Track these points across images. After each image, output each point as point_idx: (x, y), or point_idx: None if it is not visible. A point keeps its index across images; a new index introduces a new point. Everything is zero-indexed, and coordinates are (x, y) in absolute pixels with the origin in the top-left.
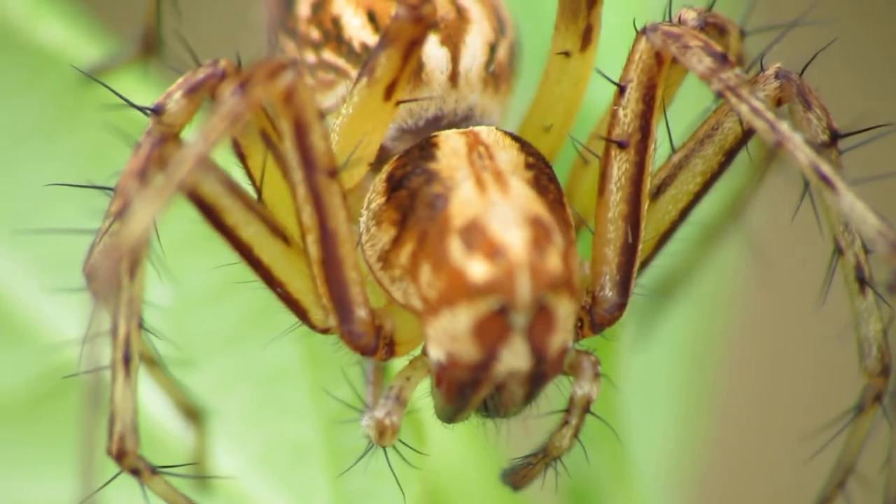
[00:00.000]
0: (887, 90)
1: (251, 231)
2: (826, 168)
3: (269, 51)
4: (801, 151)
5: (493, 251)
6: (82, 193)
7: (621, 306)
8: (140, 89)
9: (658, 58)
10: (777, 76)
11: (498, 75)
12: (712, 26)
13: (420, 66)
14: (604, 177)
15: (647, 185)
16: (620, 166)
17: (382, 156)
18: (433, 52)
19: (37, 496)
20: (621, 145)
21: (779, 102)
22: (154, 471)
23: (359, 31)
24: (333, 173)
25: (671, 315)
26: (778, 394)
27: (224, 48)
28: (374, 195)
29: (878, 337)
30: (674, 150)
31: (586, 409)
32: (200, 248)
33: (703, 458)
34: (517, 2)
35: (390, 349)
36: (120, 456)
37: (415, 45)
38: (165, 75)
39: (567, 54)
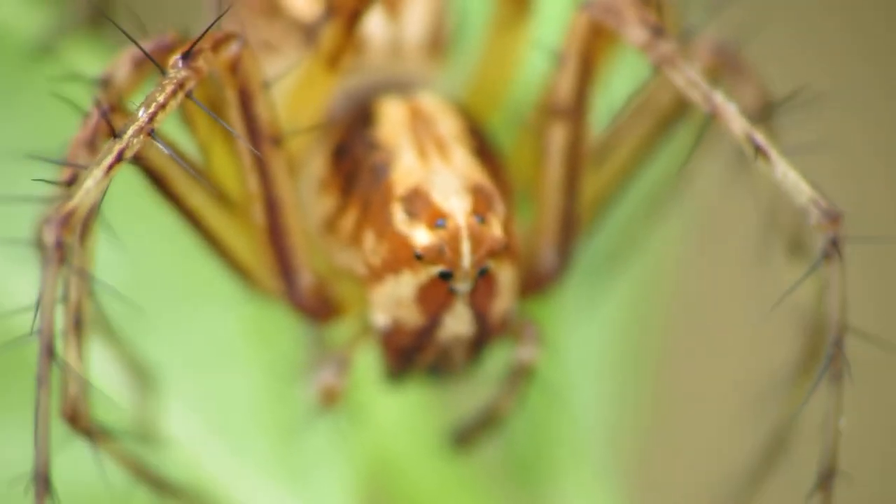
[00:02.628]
0: (835, 58)
1: (197, 199)
2: (759, 137)
3: (214, 20)
4: (735, 121)
5: (434, 218)
6: (33, 165)
7: (562, 270)
8: (87, 59)
9: (596, 30)
10: (713, 48)
11: (438, 43)
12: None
13: (362, 35)
14: (544, 146)
15: (586, 155)
16: (559, 136)
17: (326, 122)
18: (375, 20)
19: None
20: (560, 115)
21: (715, 74)
22: (107, 434)
23: (299, 1)
24: (278, 142)
25: (616, 285)
26: (717, 362)
27: (172, 17)
28: (319, 163)
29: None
30: (612, 122)
31: (527, 372)
32: (147, 216)
33: (646, 424)
34: None
35: (334, 313)
36: (73, 419)
37: (357, 15)
38: (113, 45)
39: (506, 23)
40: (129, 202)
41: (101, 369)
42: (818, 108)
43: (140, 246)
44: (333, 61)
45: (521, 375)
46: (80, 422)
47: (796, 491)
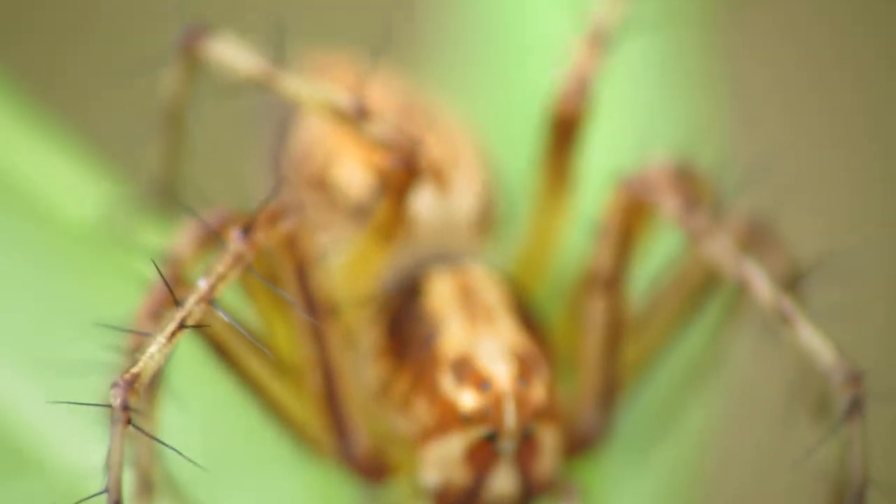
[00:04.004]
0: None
1: (255, 365)
2: (786, 305)
3: (272, 193)
4: (763, 290)
5: (481, 383)
6: (102, 334)
7: (603, 431)
8: (153, 232)
9: (634, 204)
10: (745, 219)
11: (485, 216)
12: (683, 171)
13: (412, 211)
14: (586, 314)
15: (625, 323)
16: (600, 305)
17: (379, 294)
18: (425, 197)
19: None
20: (600, 285)
21: (747, 243)
22: None
23: (350, 177)
24: (333, 312)
25: (659, 448)
26: None
27: (230, 188)
28: (373, 331)
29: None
30: (651, 291)
31: None
32: (212, 381)
33: None
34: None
35: (387, 473)
36: None
37: (406, 190)
38: (177, 217)
39: (549, 198)
40: (194, 368)
41: None
42: (843, 274)
43: (206, 410)
44: (386, 235)
45: None
46: None
47: None
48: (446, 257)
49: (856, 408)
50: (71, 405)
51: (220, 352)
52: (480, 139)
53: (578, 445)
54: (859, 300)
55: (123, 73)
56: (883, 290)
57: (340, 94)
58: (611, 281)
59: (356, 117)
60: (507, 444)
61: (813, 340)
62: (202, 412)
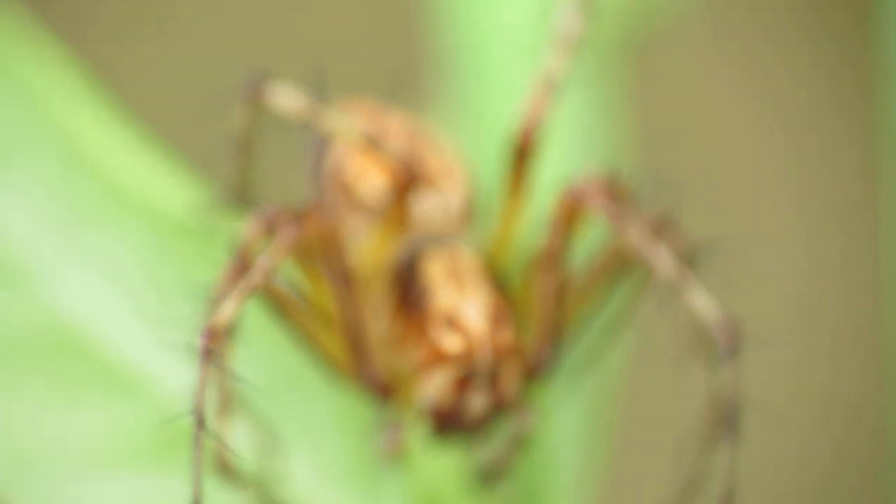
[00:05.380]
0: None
1: (302, 318)
2: (682, 276)
3: (312, 197)
4: (667, 266)
5: (463, 329)
6: (196, 297)
7: (550, 366)
8: (227, 221)
9: (573, 204)
10: (655, 213)
11: (466, 210)
12: (609, 180)
13: (414, 207)
14: (537, 283)
15: (566, 289)
16: (548, 276)
17: (389, 267)
18: (423, 197)
19: None
20: (548, 262)
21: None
22: (242, 476)
23: (369, 185)
24: (356, 281)
25: (589, 378)
26: (655, 427)
27: (284, 193)
28: (385, 294)
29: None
30: (586, 266)
31: (527, 434)
32: (271, 329)
33: (608, 471)
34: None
35: (395, 393)
36: (221, 468)
37: (409, 193)
38: (243, 212)
39: (511, 196)
40: (258, 320)
41: (241, 434)
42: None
43: (268, 350)
44: (395, 226)
45: (522, 436)
46: (225, 470)
47: None
48: (438, 240)
49: (733, 350)
50: (171, 349)
51: (277, 308)
52: (464, 157)
53: (533, 375)
54: (739, 273)
55: (204, 108)
56: (759, 264)
57: (362, 127)
58: (555, 259)
59: (373, 142)
60: (482, 375)
61: (702, 301)
62: (265, 352)
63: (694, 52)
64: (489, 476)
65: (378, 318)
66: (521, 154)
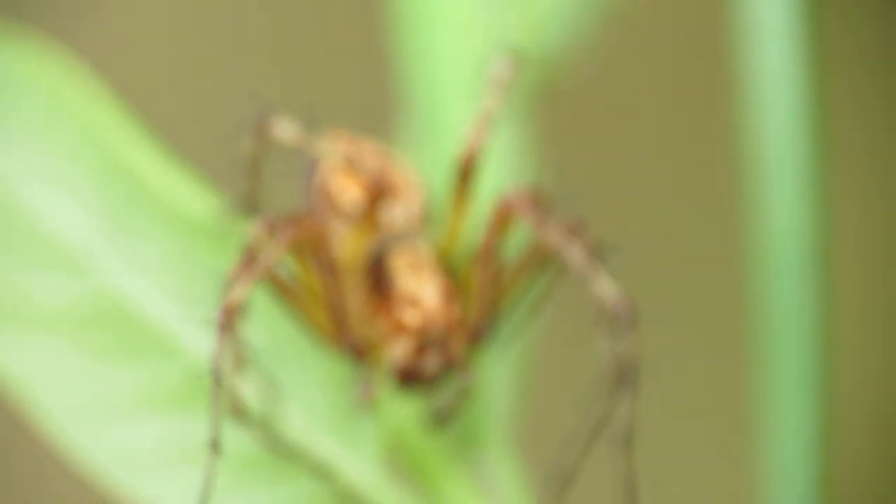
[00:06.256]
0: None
1: (297, 298)
2: (591, 266)
3: (305, 206)
4: (579, 259)
5: (420, 307)
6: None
7: (487, 337)
8: (239, 225)
9: (505, 211)
10: (569, 218)
11: (423, 216)
12: (533, 191)
13: (382, 213)
14: (476, 272)
15: (500, 277)
16: (485, 268)
17: (363, 260)
18: (390, 205)
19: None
20: (485, 256)
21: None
22: (251, 417)
23: (347, 196)
24: (337, 272)
25: (514, 345)
26: (562, 377)
27: (284, 204)
28: (360, 280)
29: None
30: (516, 259)
31: (466, 391)
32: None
33: (529, 411)
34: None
35: (368, 355)
36: (235, 413)
37: (379, 202)
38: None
39: (456, 201)
40: (263, 301)
41: (249, 387)
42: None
43: (270, 324)
44: (368, 228)
45: (466, 388)
46: (237, 414)
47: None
48: (401, 239)
49: (630, 323)
50: (197, 322)
51: (277, 291)
52: (421, 175)
53: (475, 342)
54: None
55: (221, 136)
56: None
57: (343, 152)
58: (491, 253)
59: (351, 163)
60: (435, 342)
61: (606, 286)
62: (268, 324)
63: (598, 95)
64: (440, 419)
65: (355, 299)
66: (465, 173)
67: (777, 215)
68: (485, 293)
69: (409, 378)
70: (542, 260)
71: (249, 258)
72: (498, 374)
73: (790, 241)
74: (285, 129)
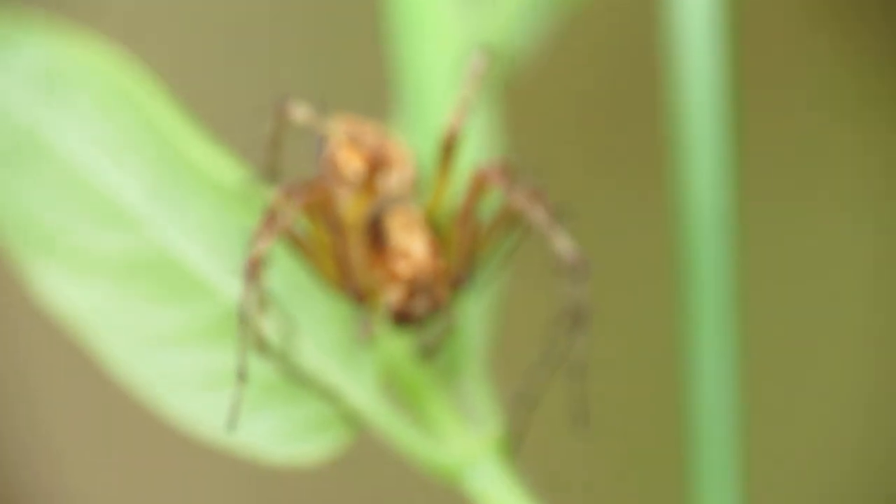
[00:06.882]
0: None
1: (308, 251)
2: (551, 225)
3: (316, 175)
4: (542, 219)
5: (411, 258)
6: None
7: (467, 285)
8: (262, 191)
9: (480, 179)
10: (531, 187)
11: (414, 182)
12: (504, 163)
13: (379, 181)
14: (456, 230)
15: (476, 235)
16: (465, 227)
17: (364, 220)
18: (387, 173)
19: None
20: (463, 217)
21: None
22: (271, 349)
23: (352, 166)
24: (343, 229)
25: (487, 290)
26: (525, 319)
27: (300, 172)
28: (361, 236)
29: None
30: (490, 219)
31: (453, 323)
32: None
33: (494, 341)
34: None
35: (368, 298)
36: (259, 347)
37: (378, 171)
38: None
39: (441, 170)
40: (281, 253)
41: (270, 324)
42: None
43: (288, 272)
44: (368, 193)
45: (449, 326)
46: (260, 347)
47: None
48: (396, 202)
49: (583, 273)
50: (228, 270)
51: (294, 245)
52: (412, 150)
53: (456, 288)
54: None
55: (249, 118)
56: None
57: (348, 130)
58: (469, 215)
59: (354, 139)
60: (424, 288)
61: (564, 243)
62: (286, 273)
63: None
64: (427, 352)
65: (357, 252)
66: (448, 149)
67: (694, 190)
68: (464, 248)
69: (402, 318)
70: (510, 220)
71: (271, 218)
72: (475, 315)
73: (705, 211)
74: (301, 112)
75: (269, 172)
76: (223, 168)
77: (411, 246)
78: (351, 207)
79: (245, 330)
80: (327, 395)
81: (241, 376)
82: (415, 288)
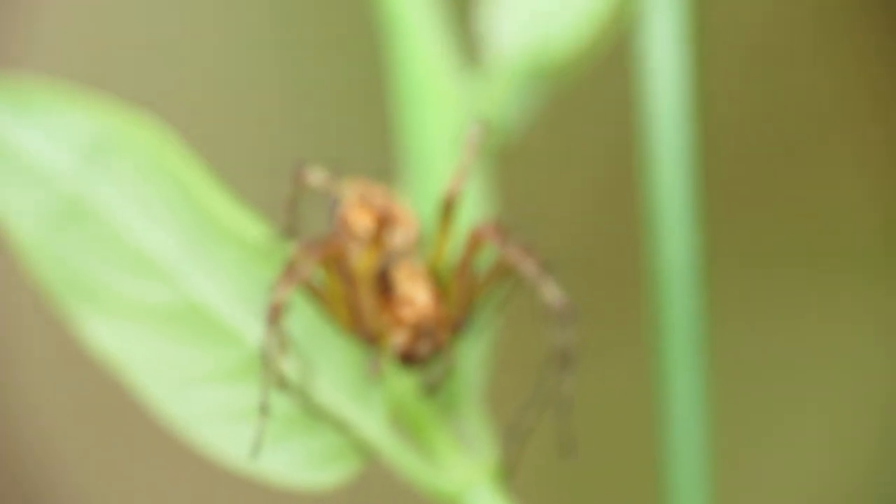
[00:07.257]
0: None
1: (324, 298)
2: (540, 277)
3: (330, 232)
4: (531, 271)
5: (415, 307)
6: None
7: (464, 331)
8: (284, 246)
9: (477, 237)
10: (523, 243)
11: (418, 240)
12: (497, 223)
13: (387, 239)
14: (455, 283)
15: (473, 285)
16: (462, 279)
17: (374, 272)
18: (393, 232)
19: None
20: (461, 270)
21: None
22: (290, 385)
23: (362, 225)
24: (354, 280)
25: (482, 336)
26: (520, 362)
27: (316, 230)
28: (371, 286)
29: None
30: (486, 272)
31: (449, 368)
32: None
33: (493, 382)
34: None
35: (378, 340)
36: (279, 385)
37: (385, 229)
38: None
39: (441, 226)
40: (299, 301)
41: (290, 365)
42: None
43: (305, 317)
44: (377, 250)
45: (449, 366)
46: (281, 385)
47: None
48: (402, 255)
49: (571, 319)
50: (252, 316)
51: (311, 294)
52: (415, 210)
53: (455, 333)
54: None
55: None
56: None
57: (359, 192)
58: (467, 268)
59: (364, 200)
60: (427, 332)
61: (552, 291)
62: (304, 318)
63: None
64: (430, 389)
65: (367, 300)
66: (448, 209)
67: (667, 249)
68: (462, 296)
69: (407, 359)
70: (504, 272)
71: (290, 270)
72: (472, 356)
73: (676, 267)
74: (316, 177)
75: (289, 230)
76: (248, 227)
77: (416, 295)
78: (362, 261)
79: (267, 369)
80: (341, 427)
81: (264, 410)
82: (419, 332)
